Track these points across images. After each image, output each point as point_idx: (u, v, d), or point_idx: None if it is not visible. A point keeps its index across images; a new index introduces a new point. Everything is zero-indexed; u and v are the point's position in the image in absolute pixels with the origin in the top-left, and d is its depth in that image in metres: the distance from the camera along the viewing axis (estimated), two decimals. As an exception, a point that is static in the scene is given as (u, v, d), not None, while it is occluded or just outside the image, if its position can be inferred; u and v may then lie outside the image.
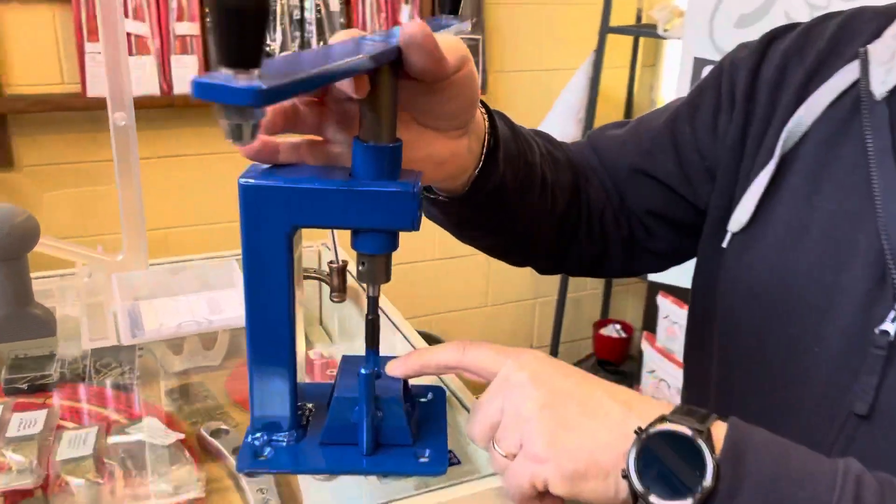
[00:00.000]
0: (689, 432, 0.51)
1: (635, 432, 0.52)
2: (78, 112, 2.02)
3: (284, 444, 0.63)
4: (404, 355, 0.63)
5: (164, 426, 0.78)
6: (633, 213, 0.82)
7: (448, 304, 2.68)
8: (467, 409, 0.71)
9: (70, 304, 0.86)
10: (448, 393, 0.73)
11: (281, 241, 0.57)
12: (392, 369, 0.63)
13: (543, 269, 0.86)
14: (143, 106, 1.75)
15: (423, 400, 0.70)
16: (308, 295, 1.03)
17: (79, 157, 2.07)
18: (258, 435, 0.63)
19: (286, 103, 0.57)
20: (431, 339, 2.55)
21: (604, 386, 0.56)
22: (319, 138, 0.60)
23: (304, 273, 0.90)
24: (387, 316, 0.86)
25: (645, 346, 2.49)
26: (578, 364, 2.85)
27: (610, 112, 2.65)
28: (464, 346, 0.61)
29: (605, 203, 0.82)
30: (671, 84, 2.57)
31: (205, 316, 0.85)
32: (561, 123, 2.51)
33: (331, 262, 0.89)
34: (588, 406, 0.54)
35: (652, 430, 0.51)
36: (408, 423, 0.62)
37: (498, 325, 2.80)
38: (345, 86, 0.54)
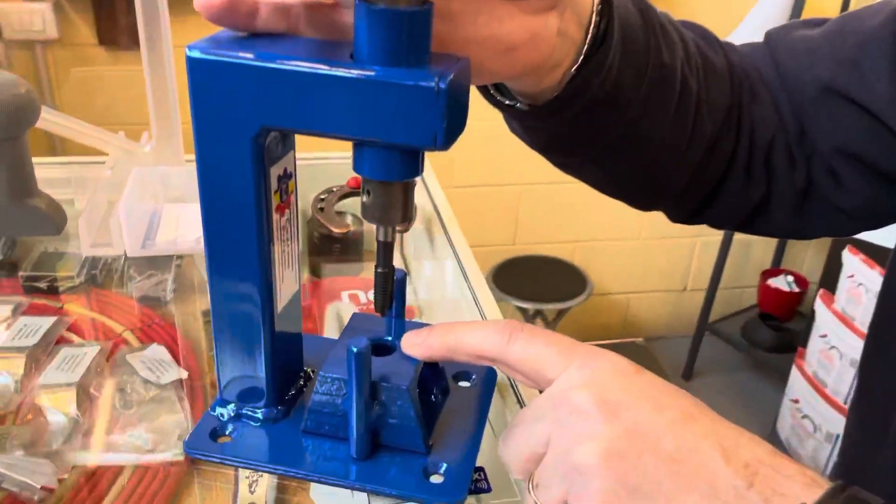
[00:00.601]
0: None
1: None
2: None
3: (258, 422, 0.46)
4: (426, 329, 0.44)
5: (171, 359, 0.65)
6: (817, 150, 0.56)
7: (593, 231, 2.43)
8: (522, 404, 0.51)
9: (94, 198, 0.73)
10: (500, 378, 0.53)
11: (245, 148, 0.39)
12: (408, 346, 0.44)
13: (677, 217, 0.63)
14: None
15: (463, 385, 0.51)
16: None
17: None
18: (229, 406, 0.47)
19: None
20: (569, 269, 2.33)
21: (717, 431, 0.36)
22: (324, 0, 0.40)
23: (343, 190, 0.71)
24: (459, 262, 0.66)
25: (819, 305, 2.14)
26: (737, 316, 2.54)
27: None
28: (510, 333, 0.41)
29: (777, 132, 0.57)
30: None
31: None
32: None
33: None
34: (683, 466, 0.35)
35: None
36: (419, 424, 0.44)
37: (648, 261, 2.53)
38: None
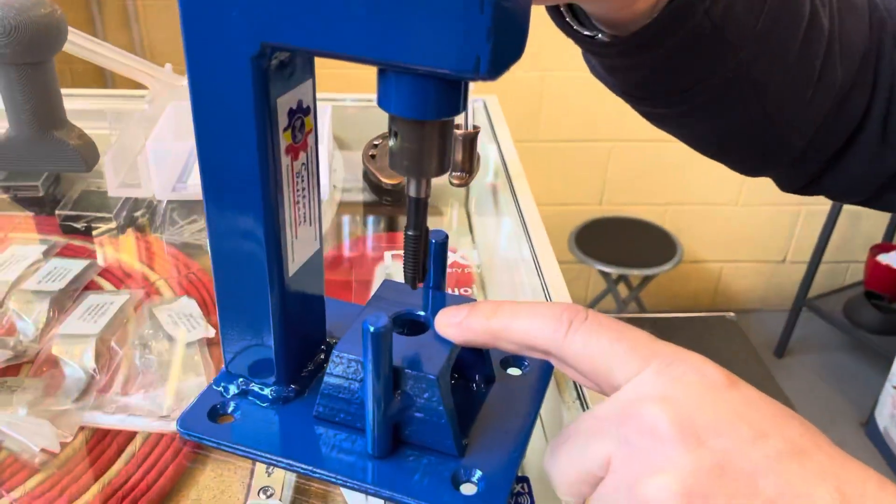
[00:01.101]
0: None
1: None
2: None
3: (267, 402, 0.39)
4: (467, 307, 0.36)
5: (201, 314, 0.59)
6: None
7: (687, 194, 2.28)
8: (583, 401, 0.42)
9: (126, 134, 0.67)
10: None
11: (243, 71, 0.31)
12: (443, 326, 0.36)
13: (790, 185, 0.52)
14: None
15: (512, 373, 0.42)
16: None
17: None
18: (235, 381, 0.40)
19: None
20: (659, 233, 2.20)
21: (837, 473, 0.27)
22: None
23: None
24: (523, 221, 0.57)
25: (935, 288, 1.95)
26: (840, 293, 2.36)
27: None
28: (570, 321, 0.32)
29: None
30: None
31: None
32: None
33: (456, 125, 0.61)
34: None
35: None
36: (450, 421, 0.36)
37: (747, 230, 2.36)
38: None
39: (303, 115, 0.35)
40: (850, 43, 0.44)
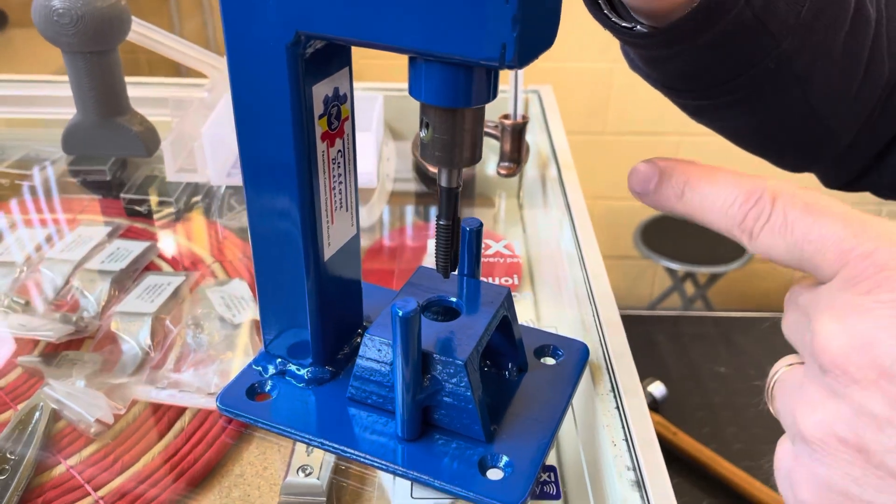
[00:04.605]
0: None
1: None
2: None
3: (303, 382, 0.41)
4: (655, 172, 0.32)
5: (251, 296, 0.61)
6: None
7: (761, 191, 2.21)
8: (617, 393, 0.42)
9: (185, 121, 0.69)
10: (594, 358, 0.44)
11: (279, 59, 0.32)
12: (637, 184, 0.32)
13: (834, 182, 0.50)
14: None
15: (547, 362, 0.43)
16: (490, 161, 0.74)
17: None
18: (273, 361, 0.41)
19: None
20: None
21: None
22: None
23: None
24: (570, 214, 0.57)
25: None
26: None
27: None
28: (757, 213, 0.28)
29: None
30: None
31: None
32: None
33: (504, 115, 0.61)
34: None
35: None
36: (478, 406, 0.36)
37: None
38: None
39: (339, 103, 0.36)
40: None
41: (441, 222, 0.36)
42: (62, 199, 0.74)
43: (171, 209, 0.72)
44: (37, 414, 0.51)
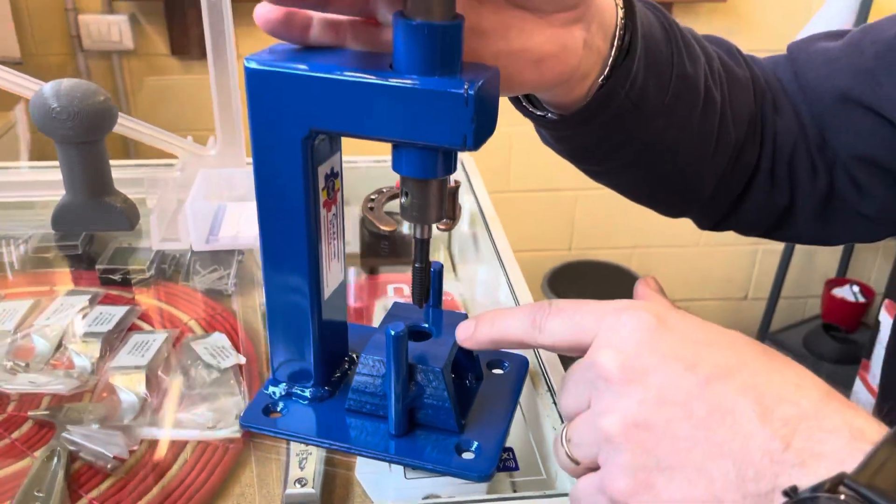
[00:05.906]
0: None
1: (785, 494, 0.30)
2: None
3: (307, 400, 0.51)
4: (473, 322, 0.46)
5: (231, 346, 0.70)
6: (838, 157, 0.58)
7: (651, 237, 2.42)
8: (553, 394, 0.54)
9: (164, 197, 0.79)
10: (532, 365, 0.56)
11: (296, 149, 0.43)
12: (462, 338, 0.46)
13: (705, 224, 0.65)
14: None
15: (496, 372, 0.54)
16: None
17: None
18: (280, 385, 0.51)
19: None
20: (626, 275, 2.33)
21: (757, 385, 0.33)
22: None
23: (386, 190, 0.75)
24: (502, 264, 0.70)
25: (884, 316, 2.09)
26: (799, 326, 2.49)
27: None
28: (536, 317, 0.42)
29: (799, 141, 0.59)
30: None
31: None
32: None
33: (441, 180, 0.73)
34: (714, 431, 0.33)
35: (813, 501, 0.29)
36: (453, 404, 0.47)
37: (708, 268, 2.51)
38: None
39: (334, 178, 0.47)
40: (739, 111, 0.57)
41: (417, 265, 0.47)
42: (39, 273, 0.81)
43: (144, 276, 0.80)
44: (55, 458, 0.58)
